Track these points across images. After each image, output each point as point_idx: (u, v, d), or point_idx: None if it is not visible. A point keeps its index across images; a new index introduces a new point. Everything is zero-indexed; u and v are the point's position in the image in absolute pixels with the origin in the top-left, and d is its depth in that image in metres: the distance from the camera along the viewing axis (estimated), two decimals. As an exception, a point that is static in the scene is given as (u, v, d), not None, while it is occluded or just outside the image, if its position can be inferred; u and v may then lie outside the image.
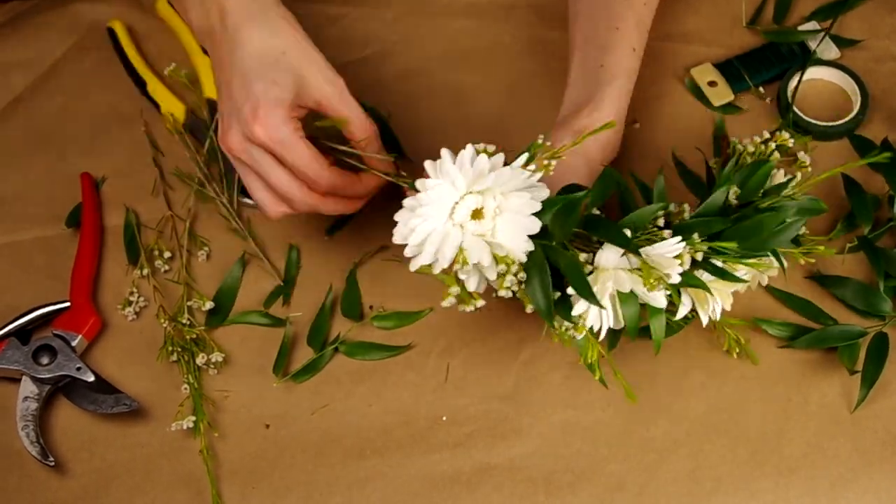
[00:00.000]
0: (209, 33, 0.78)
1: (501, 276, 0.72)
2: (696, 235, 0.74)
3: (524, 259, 0.72)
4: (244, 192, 0.91)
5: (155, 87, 0.96)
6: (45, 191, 0.92)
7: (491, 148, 0.72)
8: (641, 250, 0.73)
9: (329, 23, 1.01)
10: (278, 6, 0.78)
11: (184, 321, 0.84)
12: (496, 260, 0.72)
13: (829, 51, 0.96)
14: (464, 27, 1.01)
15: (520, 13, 1.01)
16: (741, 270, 0.76)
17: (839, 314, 0.84)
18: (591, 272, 0.74)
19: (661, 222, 0.76)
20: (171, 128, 0.95)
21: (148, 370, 0.84)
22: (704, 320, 0.77)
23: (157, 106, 0.95)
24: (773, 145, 0.80)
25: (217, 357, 0.83)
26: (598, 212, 0.76)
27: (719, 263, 0.75)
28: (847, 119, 0.92)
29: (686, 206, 0.78)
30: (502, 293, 0.72)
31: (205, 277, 0.88)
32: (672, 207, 0.77)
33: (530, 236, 0.72)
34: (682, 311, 0.77)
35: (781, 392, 0.81)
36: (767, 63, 0.96)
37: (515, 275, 0.72)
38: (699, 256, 0.74)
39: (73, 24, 1.01)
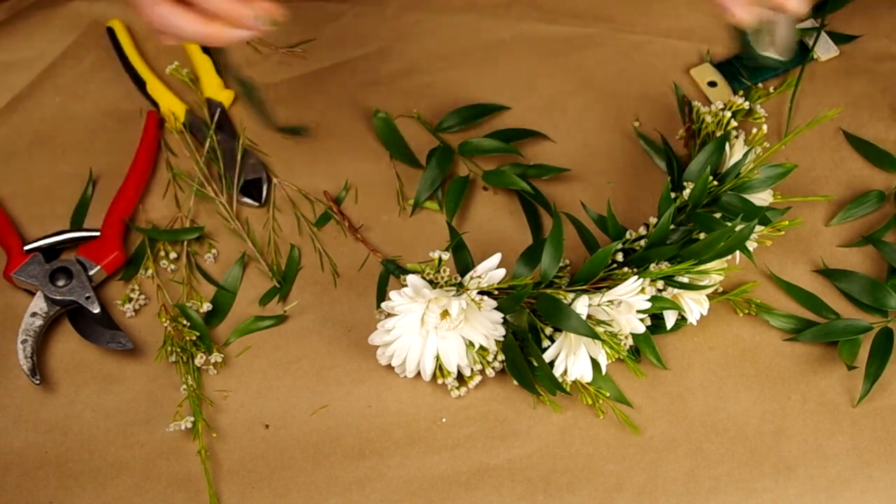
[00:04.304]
0: None
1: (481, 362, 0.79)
2: (651, 267, 0.77)
3: (498, 343, 0.78)
4: (244, 192, 0.91)
5: (154, 87, 0.96)
6: (45, 191, 0.92)
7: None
8: (603, 302, 0.76)
9: (328, 20, 1.00)
10: None
11: (184, 322, 0.84)
12: (473, 359, 0.78)
13: (828, 48, 0.96)
14: (463, 23, 1.00)
15: (519, 9, 1.01)
16: (711, 274, 0.79)
17: (841, 309, 0.84)
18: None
19: (619, 256, 0.79)
20: (170, 127, 0.95)
21: (148, 369, 0.84)
22: (694, 320, 0.80)
23: (156, 105, 0.95)
24: (728, 114, 0.83)
25: (216, 357, 0.83)
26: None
27: (684, 279, 0.78)
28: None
29: (642, 230, 0.81)
30: (489, 371, 0.79)
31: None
32: (629, 234, 0.81)
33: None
34: (671, 321, 0.81)
35: (780, 391, 0.81)
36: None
37: (495, 357, 0.78)
38: (660, 285, 0.78)
39: (72, 23, 1.01)
